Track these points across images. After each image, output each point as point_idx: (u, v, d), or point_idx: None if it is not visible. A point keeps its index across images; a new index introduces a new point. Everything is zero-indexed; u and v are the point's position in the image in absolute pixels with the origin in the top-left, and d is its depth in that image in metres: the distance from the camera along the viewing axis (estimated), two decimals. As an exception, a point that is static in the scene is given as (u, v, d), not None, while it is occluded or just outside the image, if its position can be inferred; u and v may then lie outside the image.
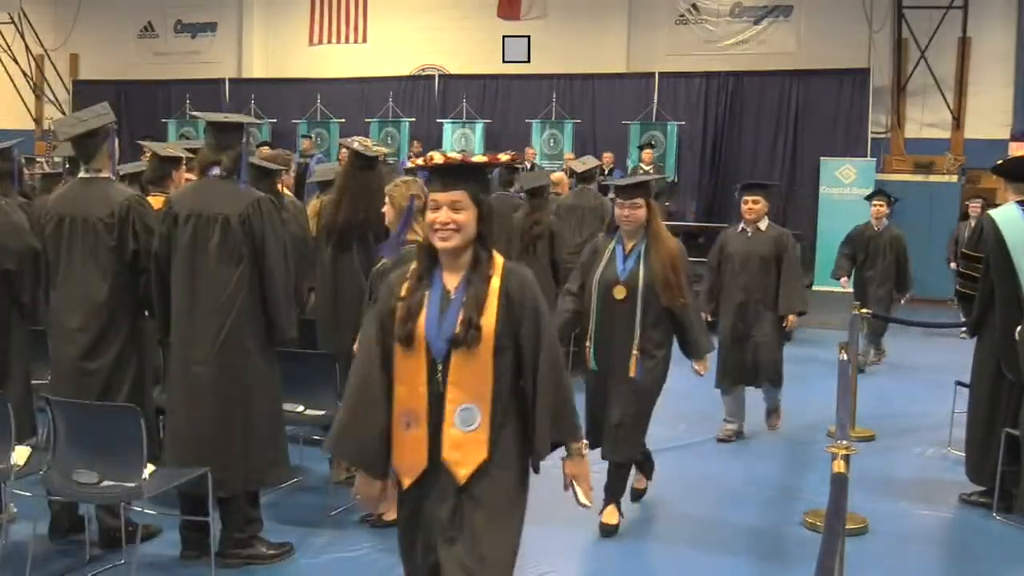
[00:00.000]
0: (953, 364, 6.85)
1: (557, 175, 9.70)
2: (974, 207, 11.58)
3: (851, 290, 9.79)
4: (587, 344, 5.01)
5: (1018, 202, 5.44)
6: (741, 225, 6.82)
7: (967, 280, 5.72)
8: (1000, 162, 5.92)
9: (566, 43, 16.56)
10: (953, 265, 11.60)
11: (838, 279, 9.69)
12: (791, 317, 6.66)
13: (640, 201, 4.93)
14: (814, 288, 12.80)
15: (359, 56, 17.88)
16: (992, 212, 5.54)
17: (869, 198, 10.01)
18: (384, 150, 5.85)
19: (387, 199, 4.87)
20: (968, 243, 6.01)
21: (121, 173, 5.64)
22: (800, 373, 9.42)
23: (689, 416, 7.15)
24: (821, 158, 14.64)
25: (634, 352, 4.85)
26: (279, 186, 6.15)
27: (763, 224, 6.74)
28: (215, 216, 4.25)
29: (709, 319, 6.53)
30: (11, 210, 4.76)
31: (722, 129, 15.68)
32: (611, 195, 6.57)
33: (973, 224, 10.15)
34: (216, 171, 4.36)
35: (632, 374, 4.85)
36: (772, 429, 6.92)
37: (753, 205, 6.68)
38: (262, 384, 4.36)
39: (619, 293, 4.87)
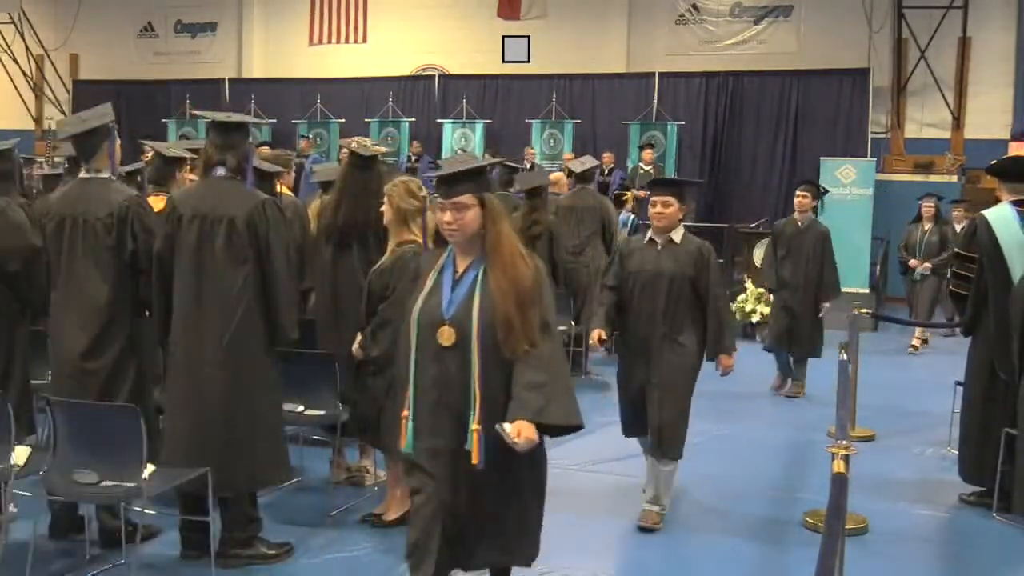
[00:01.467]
0: (953, 364, 6.85)
1: (556, 175, 9.70)
2: (927, 206, 10.69)
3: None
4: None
5: (1012, 202, 5.45)
6: (650, 235, 5.29)
7: (961, 280, 5.73)
8: (994, 162, 5.93)
9: (566, 43, 16.56)
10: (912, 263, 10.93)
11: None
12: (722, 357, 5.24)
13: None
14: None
15: (359, 56, 17.88)
16: (986, 212, 5.55)
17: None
18: (382, 149, 5.84)
19: (385, 199, 4.88)
20: (961, 243, 6.03)
21: (120, 173, 5.64)
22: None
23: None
24: (821, 158, 14.60)
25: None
26: (279, 186, 6.15)
27: (677, 234, 5.18)
28: (220, 217, 4.25)
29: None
30: (12, 210, 4.75)
31: (722, 129, 15.67)
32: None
33: (927, 228, 10.58)
34: (220, 171, 4.35)
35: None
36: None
37: (663, 208, 5.14)
38: (264, 385, 4.36)
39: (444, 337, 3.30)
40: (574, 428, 3.37)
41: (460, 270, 3.34)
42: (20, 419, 4.35)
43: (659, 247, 5.15)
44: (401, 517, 4.97)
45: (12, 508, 4.60)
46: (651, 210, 5.25)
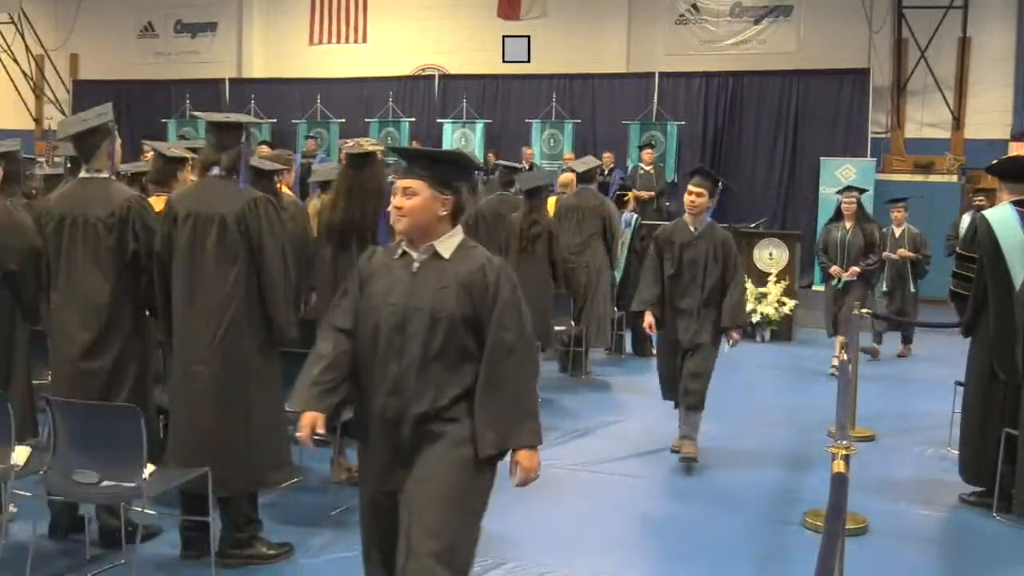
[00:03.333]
0: (953, 364, 6.85)
1: (565, 176, 9.62)
2: (847, 202, 9.40)
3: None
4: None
5: (1012, 202, 5.44)
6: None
7: (961, 280, 5.72)
8: (994, 162, 5.93)
9: (566, 43, 16.56)
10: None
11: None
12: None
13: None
14: (814, 288, 12.81)
15: (359, 56, 17.87)
16: (986, 212, 5.55)
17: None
18: (380, 147, 5.83)
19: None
20: (962, 243, 6.02)
21: (121, 173, 5.64)
22: (800, 373, 9.45)
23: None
24: (821, 158, 14.65)
25: None
26: (279, 186, 6.15)
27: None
28: (212, 216, 4.26)
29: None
30: (14, 210, 4.76)
31: (722, 129, 15.67)
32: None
33: (848, 227, 9.75)
34: (216, 171, 4.37)
35: None
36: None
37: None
38: (261, 384, 4.35)
39: None
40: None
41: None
42: (24, 420, 4.35)
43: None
44: (401, 517, 4.98)
45: (12, 508, 4.61)
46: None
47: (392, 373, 3.12)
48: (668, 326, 6.26)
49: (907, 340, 10.48)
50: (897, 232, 10.26)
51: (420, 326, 3.10)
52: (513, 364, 3.11)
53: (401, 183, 3.18)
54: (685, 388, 6.09)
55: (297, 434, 3.20)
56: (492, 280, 3.13)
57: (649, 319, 6.24)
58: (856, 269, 9.04)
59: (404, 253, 3.24)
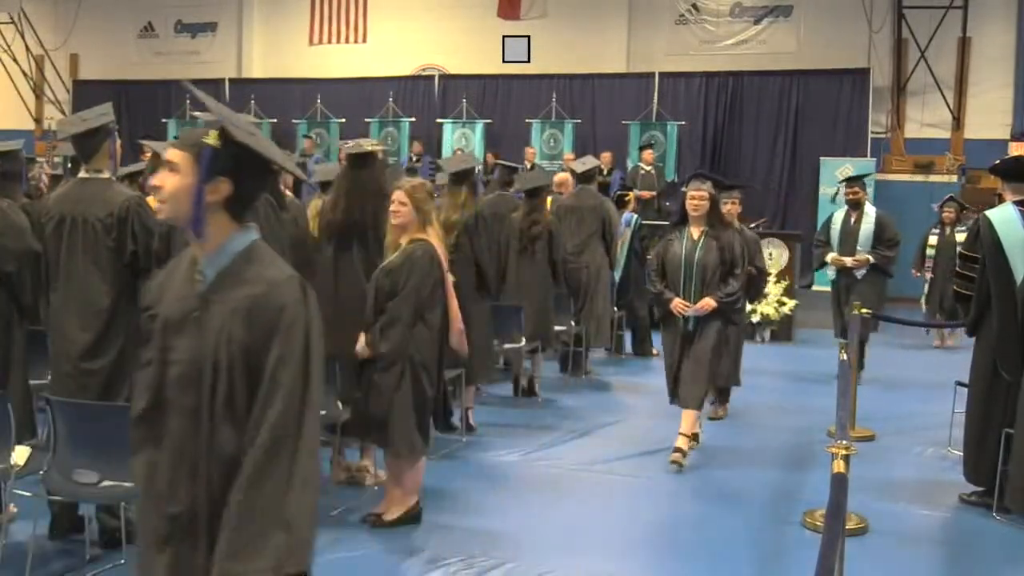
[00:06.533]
0: (953, 364, 6.86)
1: (561, 176, 9.67)
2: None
3: None
4: None
5: (1015, 202, 5.44)
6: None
7: (964, 280, 5.72)
8: (997, 162, 5.92)
9: (566, 43, 16.55)
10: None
11: None
12: None
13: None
14: (814, 288, 12.81)
15: (359, 56, 17.87)
16: (988, 212, 5.54)
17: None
18: (380, 147, 5.83)
19: (406, 198, 4.88)
20: (965, 243, 6.02)
21: (120, 174, 5.64)
22: (800, 373, 9.46)
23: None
24: (821, 158, 14.65)
25: None
26: (279, 186, 6.15)
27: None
28: None
29: None
30: (12, 211, 4.76)
31: (722, 129, 15.68)
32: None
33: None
34: None
35: None
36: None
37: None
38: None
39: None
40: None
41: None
42: (22, 420, 4.35)
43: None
44: (401, 517, 4.99)
45: (12, 508, 4.61)
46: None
47: None
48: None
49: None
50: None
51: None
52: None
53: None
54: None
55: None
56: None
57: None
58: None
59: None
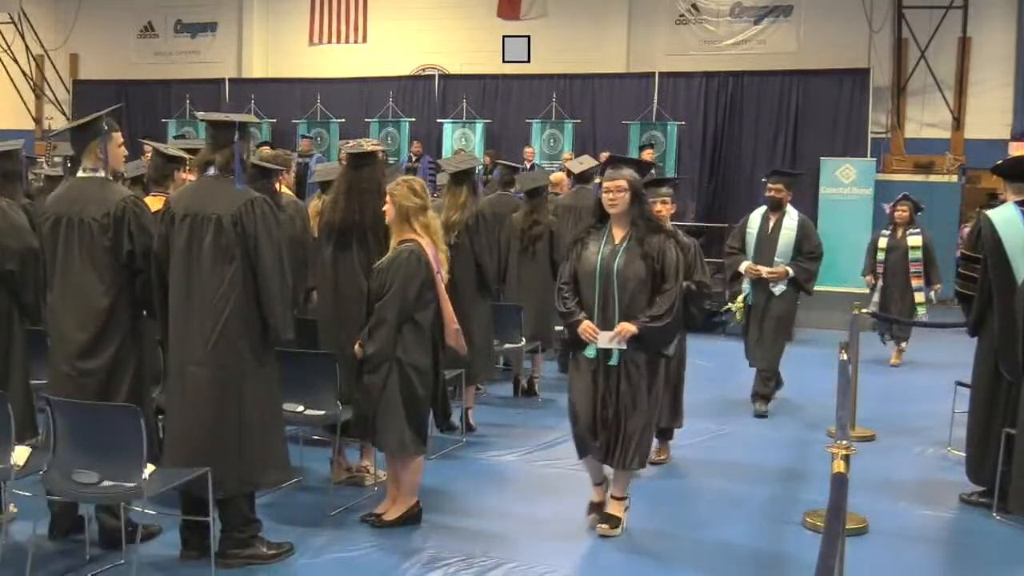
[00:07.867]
0: (953, 364, 6.85)
1: (557, 175, 9.69)
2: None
3: None
4: None
5: (1017, 202, 5.44)
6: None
7: (966, 281, 5.72)
8: (1000, 162, 5.92)
9: (566, 43, 16.55)
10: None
11: None
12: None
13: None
14: (814, 288, 12.78)
15: (359, 56, 17.87)
16: (989, 212, 5.53)
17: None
18: (380, 147, 5.83)
19: (388, 198, 4.89)
20: (967, 244, 6.01)
21: (120, 175, 5.64)
22: (800, 373, 9.45)
23: (688, 415, 7.14)
24: (821, 158, 14.62)
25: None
26: (279, 185, 6.15)
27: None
28: (208, 216, 4.25)
29: None
30: (12, 210, 4.76)
31: (722, 129, 15.66)
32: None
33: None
34: (211, 170, 4.37)
35: None
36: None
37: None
38: (256, 386, 4.34)
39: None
40: None
41: None
42: (22, 420, 4.35)
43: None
44: (401, 517, 4.99)
45: (12, 508, 4.61)
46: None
47: None
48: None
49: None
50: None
51: None
52: None
53: None
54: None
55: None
56: None
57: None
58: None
59: None
